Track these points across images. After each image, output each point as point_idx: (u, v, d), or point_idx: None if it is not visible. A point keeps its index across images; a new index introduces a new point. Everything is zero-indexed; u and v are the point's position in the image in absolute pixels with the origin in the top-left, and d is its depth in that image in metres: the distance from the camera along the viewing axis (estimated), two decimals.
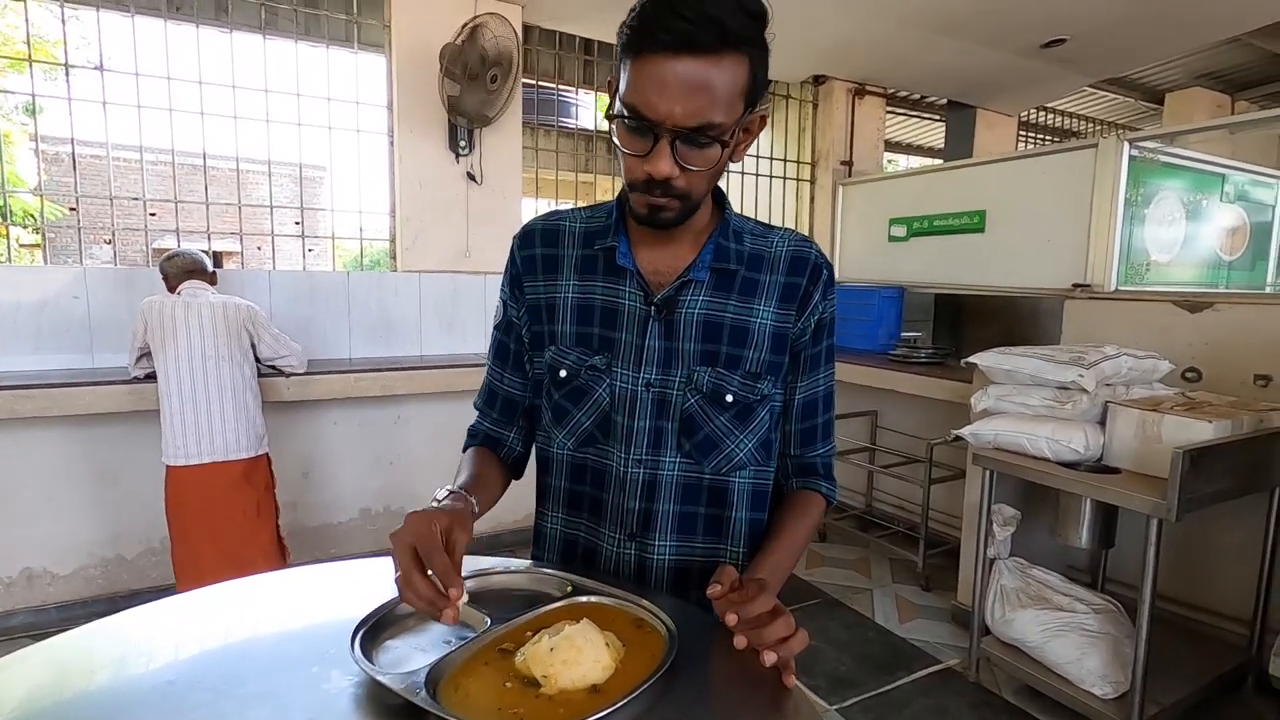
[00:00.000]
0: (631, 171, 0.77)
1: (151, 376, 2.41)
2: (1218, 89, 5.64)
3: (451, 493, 0.78)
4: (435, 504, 0.76)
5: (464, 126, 3.20)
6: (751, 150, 4.43)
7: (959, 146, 4.88)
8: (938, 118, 5.28)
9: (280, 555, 2.53)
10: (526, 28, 3.47)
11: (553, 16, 3.52)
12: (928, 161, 6.34)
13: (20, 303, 2.67)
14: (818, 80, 4.33)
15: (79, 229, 2.90)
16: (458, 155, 3.26)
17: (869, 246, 4.10)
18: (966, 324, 4.27)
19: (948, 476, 3.17)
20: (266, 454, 2.49)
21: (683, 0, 0.68)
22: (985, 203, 3.41)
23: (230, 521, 2.33)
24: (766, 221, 0.95)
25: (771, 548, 0.86)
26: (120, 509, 2.79)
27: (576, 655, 0.60)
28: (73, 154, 2.77)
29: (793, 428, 0.93)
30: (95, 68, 2.81)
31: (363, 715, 0.57)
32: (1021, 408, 2.37)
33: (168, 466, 2.31)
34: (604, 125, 4.24)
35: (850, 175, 4.35)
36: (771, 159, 4.46)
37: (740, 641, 0.65)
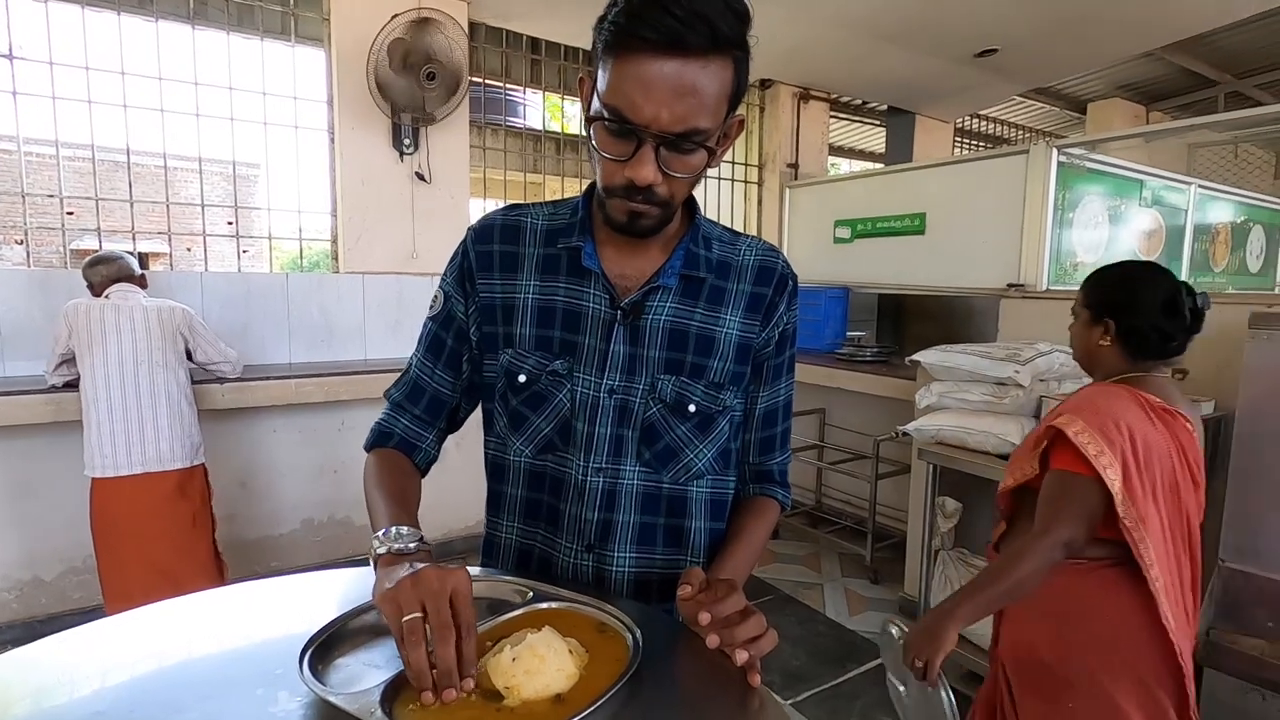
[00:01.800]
0: (610, 177, 0.73)
1: (72, 385, 2.27)
2: (1134, 100, 5.99)
3: (422, 543, 0.71)
4: (408, 554, 0.68)
5: (408, 125, 3.12)
6: None
7: (899, 151, 5.04)
8: (879, 123, 5.44)
9: (217, 570, 2.41)
10: (473, 25, 3.41)
11: (499, 15, 3.47)
12: (870, 165, 6.52)
13: None
14: (764, 84, 4.40)
15: None
16: (402, 154, 3.18)
17: (815, 248, 4.18)
18: (908, 323, 4.41)
19: (894, 471, 3.26)
20: (203, 464, 2.37)
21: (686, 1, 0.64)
22: (925, 205, 3.52)
23: (164, 536, 2.21)
24: (730, 227, 0.93)
25: (731, 551, 0.86)
26: (37, 527, 2.61)
27: (539, 664, 0.58)
28: None
29: (753, 436, 0.92)
30: (4, 55, 2.63)
31: None
32: (962, 403, 2.46)
33: (93, 479, 2.18)
34: (551, 126, 4.21)
35: (796, 178, 4.44)
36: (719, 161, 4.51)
37: (713, 641, 0.64)
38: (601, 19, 0.68)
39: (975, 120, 6.09)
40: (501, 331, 0.86)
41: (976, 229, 3.29)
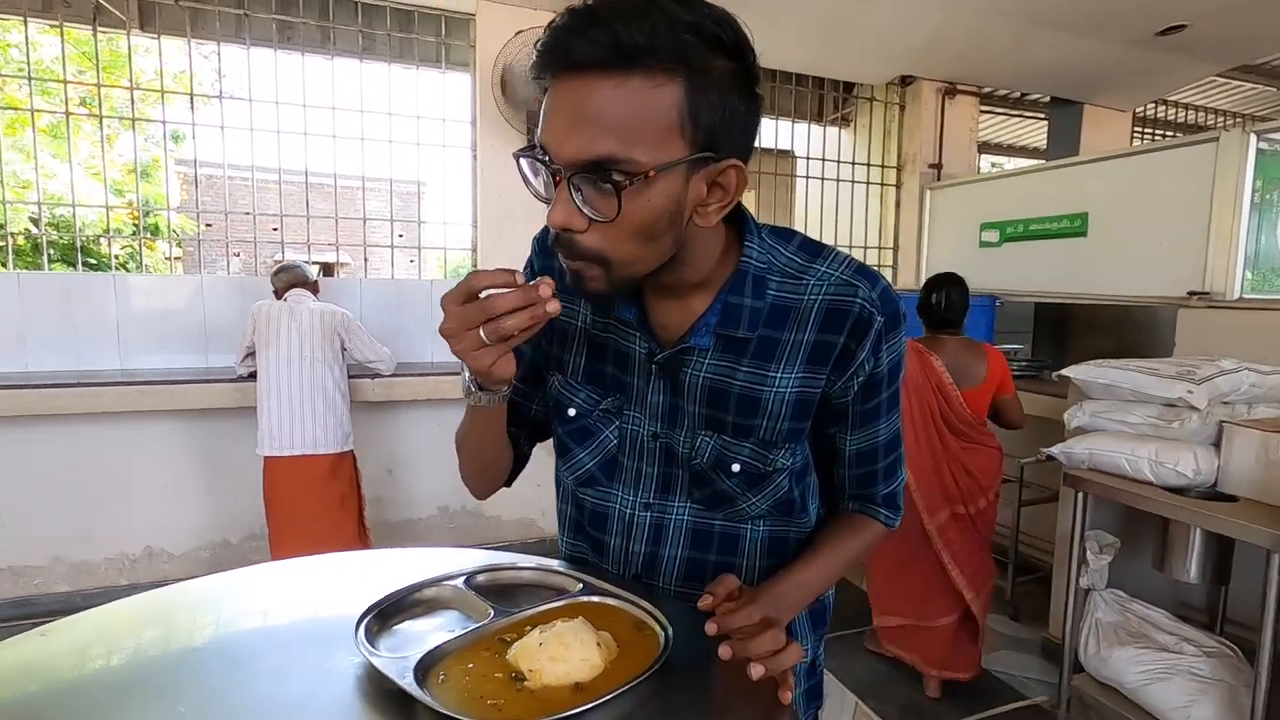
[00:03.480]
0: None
1: (254, 375, 2.63)
2: None
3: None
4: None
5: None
6: (832, 155, 4.32)
7: (1063, 146, 4.56)
8: (1041, 115, 4.96)
9: (363, 547, 2.68)
10: None
11: None
12: (1024, 162, 5.96)
13: (151, 308, 2.98)
14: (904, 81, 4.17)
15: (198, 242, 3.21)
16: None
17: (958, 253, 3.89)
18: (1073, 335, 3.98)
19: (1041, 499, 2.95)
20: (351, 451, 2.65)
21: (589, 12, 0.56)
22: (1087, 204, 3.16)
23: (317, 512, 2.50)
24: (822, 243, 0.78)
25: (799, 564, 0.79)
26: (227, 497, 3.04)
27: (564, 652, 0.60)
28: (195, 175, 3.08)
29: (847, 473, 0.83)
30: (216, 97, 3.11)
31: (356, 694, 0.59)
32: (1121, 425, 2.18)
33: (264, 457, 2.51)
34: None
35: (939, 179, 4.16)
36: (854, 164, 4.33)
37: (725, 652, 0.61)
38: None
39: (1161, 107, 5.36)
40: (556, 354, 0.83)
41: (1150, 229, 2.90)
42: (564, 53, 0.57)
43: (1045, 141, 4.98)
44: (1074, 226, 3.23)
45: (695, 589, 0.80)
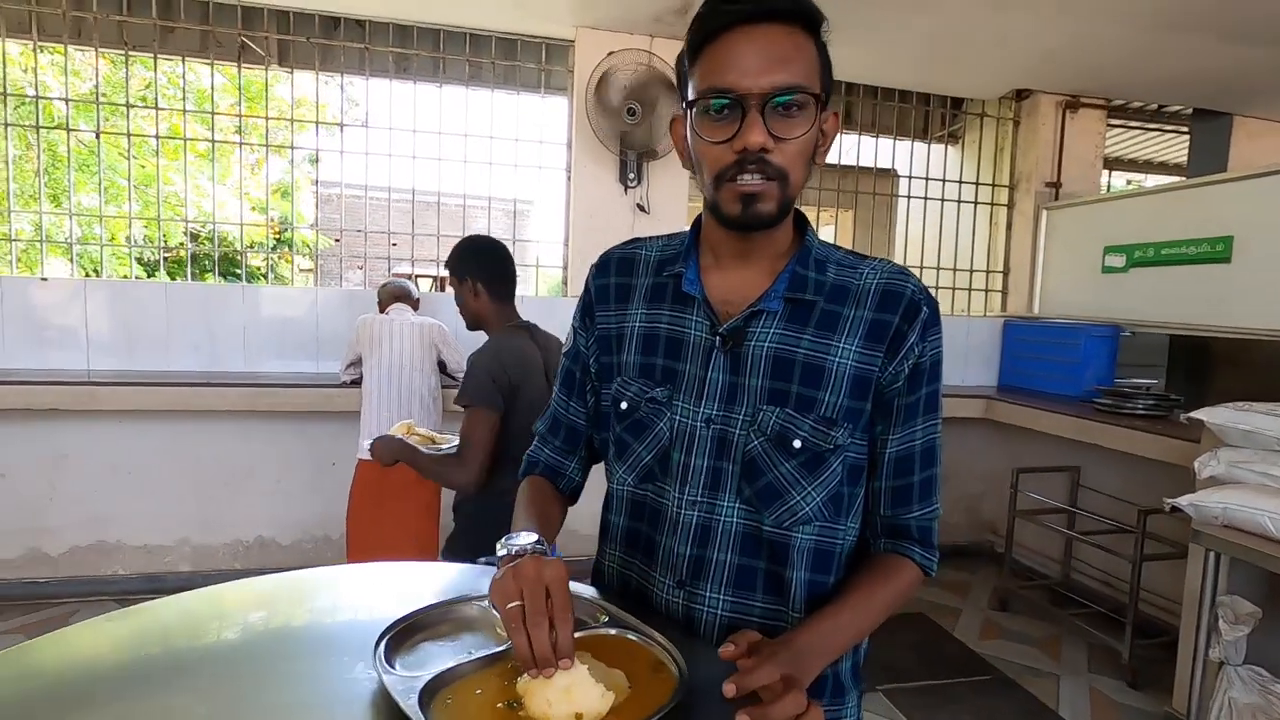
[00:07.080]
0: (719, 161, 0.72)
1: (356, 383, 2.80)
2: None
3: (539, 544, 0.72)
4: (524, 554, 0.70)
5: (632, 160, 3.35)
6: (937, 173, 4.11)
7: (1209, 161, 4.11)
8: (1182, 129, 4.50)
9: (436, 555, 2.78)
10: None
11: None
12: (1162, 180, 5.41)
13: (274, 316, 3.26)
14: (1019, 95, 3.91)
15: (334, 258, 3.46)
16: (626, 187, 3.42)
17: (1076, 278, 3.59)
18: (1214, 372, 3.56)
19: (1167, 554, 2.64)
20: None
21: None
22: (1232, 227, 2.83)
23: (399, 517, 2.61)
24: (855, 251, 0.85)
25: (828, 611, 0.75)
26: (330, 494, 3.25)
27: (564, 695, 0.58)
28: (316, 195, 3.34)
29: (883, 484, 0.82)
30: (340, 125, 3.38)
31: (366, 708, 0.61)
32: (1263, 478, 1.92)
33: (359, 460, 2.66)
34: None
35: (1057, 198, 3.86)
36: (961, 182, 4.10)
37: None
38: (689, 31, 0.74)
39: None
40: (614, 360, 0.87)
41: None
42: (757, 6, 0.69)
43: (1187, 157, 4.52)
44: (1215, 251, 2.90)
45: (743, 599, 0.80)
